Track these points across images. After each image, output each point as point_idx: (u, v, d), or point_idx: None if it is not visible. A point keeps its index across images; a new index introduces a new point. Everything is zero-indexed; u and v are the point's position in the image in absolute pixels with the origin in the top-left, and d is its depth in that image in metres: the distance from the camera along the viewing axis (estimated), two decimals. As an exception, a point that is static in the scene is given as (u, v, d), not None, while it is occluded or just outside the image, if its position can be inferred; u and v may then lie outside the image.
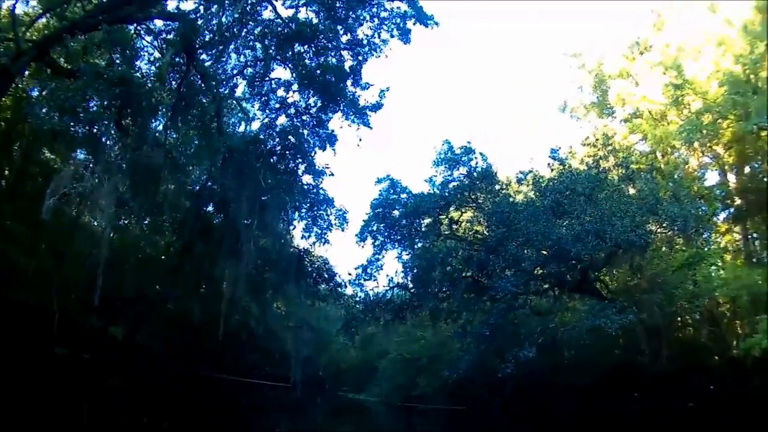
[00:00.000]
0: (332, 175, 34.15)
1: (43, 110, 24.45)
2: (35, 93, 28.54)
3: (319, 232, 35.24)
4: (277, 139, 32.40)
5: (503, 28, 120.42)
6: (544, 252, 30.20)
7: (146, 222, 37.16)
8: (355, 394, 53.17)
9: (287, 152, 32.51)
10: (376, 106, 31.38)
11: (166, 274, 35.75)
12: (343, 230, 35.92)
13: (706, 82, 37.04)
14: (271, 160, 32.54)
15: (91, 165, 25.93)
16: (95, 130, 26.59)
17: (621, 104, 43.20)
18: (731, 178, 39.77)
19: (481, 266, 33.74)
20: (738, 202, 38.78)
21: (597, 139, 37.00)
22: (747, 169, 40.13)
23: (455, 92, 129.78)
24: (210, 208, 35.45)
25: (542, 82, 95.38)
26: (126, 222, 36.19)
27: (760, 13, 32.21)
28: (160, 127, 29.97)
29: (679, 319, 37.51)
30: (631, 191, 33.78)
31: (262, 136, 32.39)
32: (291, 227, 36.91)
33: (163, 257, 37.86)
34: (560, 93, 49.31)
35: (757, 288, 28.81)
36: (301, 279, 36.47)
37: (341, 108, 31.35)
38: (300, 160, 33.08)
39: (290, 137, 31.65)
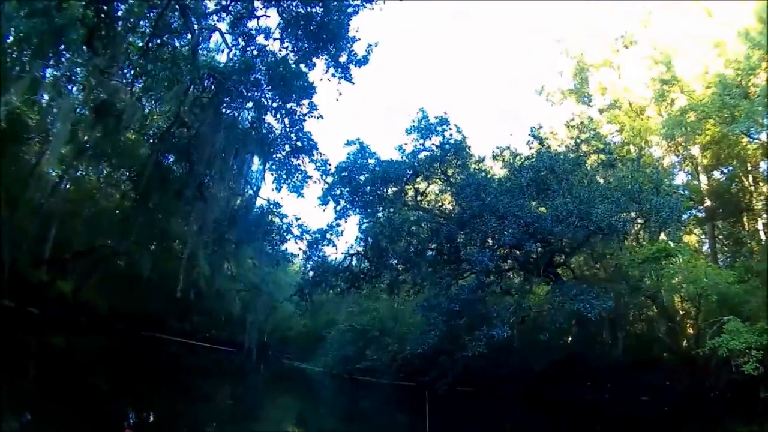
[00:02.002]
0: (321, 117, 31.07)
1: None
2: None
3: (296, 183, 32.82)
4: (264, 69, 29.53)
5: (490, 4, 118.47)
6: (522, 230, 29.15)
7: (104, 173, 34.89)
8: (300, 363, 51.73)
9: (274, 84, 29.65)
10: (362, 61, 29.27)
11: (118, 227, 33.56)
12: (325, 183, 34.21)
13: (692, 82, 36.87)
14: (256, 94, 30.12)
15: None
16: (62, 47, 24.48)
17: (602, 93, 42.99)
18: (703, 179, 39.84)
19: (450, 239, 32.84)
20: (708, 203, 38.83)
21: (581, 122, 36.21)
22: (716, 174, 40.65)
23: (436, 63, 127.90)
24: (172, 159, 32.85)
25: (523, 63, 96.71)
26: (83, 173, 34.31)
27: (761, 23, 31.81)
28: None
29: (637, 312, 37.70)
30: (610, 179, 33.22)
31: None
32: (262, 177, 33.86)
33: (117, 211, 35.52)
34: (539, 76, 48.59)
35: (726, 289, 28.60)
36: (265, 238, 34.61)
37: (327, 58, 29.10)
38: (291, 95, 30.22)
39: (280, 68, 28.72)
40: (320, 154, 32.89)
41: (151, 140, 33.05)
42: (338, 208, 35.36)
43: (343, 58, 29.06)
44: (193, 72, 26.96)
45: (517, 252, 31.36)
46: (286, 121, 31.05)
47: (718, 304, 29.63)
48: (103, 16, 23.68)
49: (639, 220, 32.59)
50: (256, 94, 29.95)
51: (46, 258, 26.91)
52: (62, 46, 24.85)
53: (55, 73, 27.16)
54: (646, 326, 38.87)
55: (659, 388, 32.27)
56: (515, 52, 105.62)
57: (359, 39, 28.83)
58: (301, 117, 30.73)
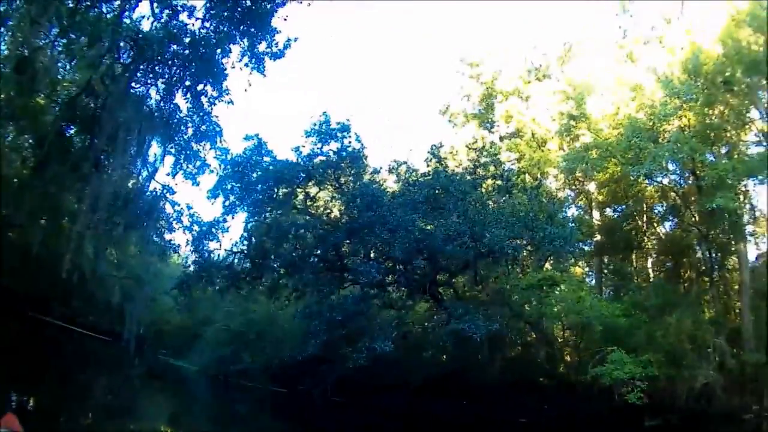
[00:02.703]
0: (231, 103, 28.98)
1: None
2: None
3: (193, 171, 31.09)
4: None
5: (409, 19, 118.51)
6: (412, 246, 28.88)
7: (8, 138, 32.69)
8: (175, 360, 49.96)
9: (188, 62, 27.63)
10: (278, 55, 27.66)
11: (15, 196, 31.40)
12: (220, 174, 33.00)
13: (600, 121, 37.78)
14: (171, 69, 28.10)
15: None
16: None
17: (506, 121, 43.33)
18: (596, 215, 40.82)
19: (336, 248, 32.54)
20: (598, 238, 39.71)
21: (483, 146, 36.21)
22: (609, 211, 41.71)
23: (344, 67, 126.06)
24: (75, 129, 30.62)
25: (430, 80, 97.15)
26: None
27: (685, 73, 32.74)
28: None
29: (515, 336, 37.98)
30: (504, 204, 33.34)
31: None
32: (162, 159, 31.35)
33: (15, 179, 33.27)
34: (444, 96, 48.99)
35: (612, 321, 29.43)
36: (153, 225, 33.06)
37: (245, 46, 27.82)
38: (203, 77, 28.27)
39: (200, 46, 26.75)
40: (223, 142, 31.50)
41: (59, 108, 30.54)
42: (227, 203, 34.14)
43: (262, 47, 27.55)
44: (114, 35, 25.36)
45: (404, 267, 31.05)
46: (195, 102, 29.28)
47: (602, 335, 30.32)
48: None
49: (529, 248, 32.77)
50: (171, 69, 28.02)
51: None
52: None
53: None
54: (523, 350, 39.28)
55: (537, 411, 32.30)
56: (424, 68, 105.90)
57: (280, 31, 27.48)
58: (211, 100, 28.93)
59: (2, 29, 25.69)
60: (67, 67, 30.31)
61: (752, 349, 29.94)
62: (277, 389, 38.53)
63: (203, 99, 29.03)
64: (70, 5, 25.32)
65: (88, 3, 25.53)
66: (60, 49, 27.59)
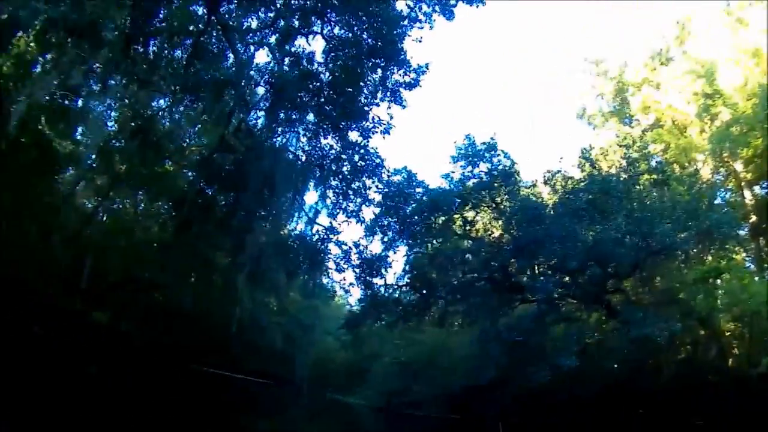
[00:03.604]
0: (387, 132, 29.03)
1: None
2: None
3: (353, 209, 31.64)
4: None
5: (524, 29, 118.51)
6: (585, 255, 28.45)
7: (141, 206, 34.03)
8: (342, 396, 50.72)
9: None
10: (413, 84, 28.12)
11: (157, 259, 32.58)
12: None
13: (734, 94, 36.35)
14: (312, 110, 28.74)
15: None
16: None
17: (644, 113, 42.38)
18: (747, 195, 39.11)
19: (504, 268, 32.24)
20: (753, 219, 38.01)
21: (633, 141, 35.43)
22: (757, 189, 40.00)
23: (469, 89, 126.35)
24: (215, 188, 31.47)
25: (560, 86, 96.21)
26: (119, 206, 33.37)
27: None
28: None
29: (684, 335, 36.56)
30: (664, 197, 32.46)
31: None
32: (323, 203, 32.06)
33: (155, 243, 34.62)
34: (577, 99, 48.41)
35: None
36: (319, 268, 33.63)
37: (376, 82, 28.21)
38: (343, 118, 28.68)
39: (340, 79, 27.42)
40: (388, 172, 31.92)
41: (191, 170, 32.08)
42: (386, 239, 34.36)
43: (399, 78, 28.16)
44: (239, 84, 26.32)
45: (579, 278, 30.55)
46: (343, 142, 29.90)
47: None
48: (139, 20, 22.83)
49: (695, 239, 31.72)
50: (311, 109, 28.75)
51: (81, 288, 25.91)
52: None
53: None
54: (693, 349, 37.37)
55: (711, 411, 30.85)
56: (550, 75, 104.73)
57: (411, 62, 27.86)
58: (366, 132, 29.31)
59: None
60: (194, 131, 31.37)
61: None
62: (449, 416, 38.58)
63: (354, 134, 29.53)
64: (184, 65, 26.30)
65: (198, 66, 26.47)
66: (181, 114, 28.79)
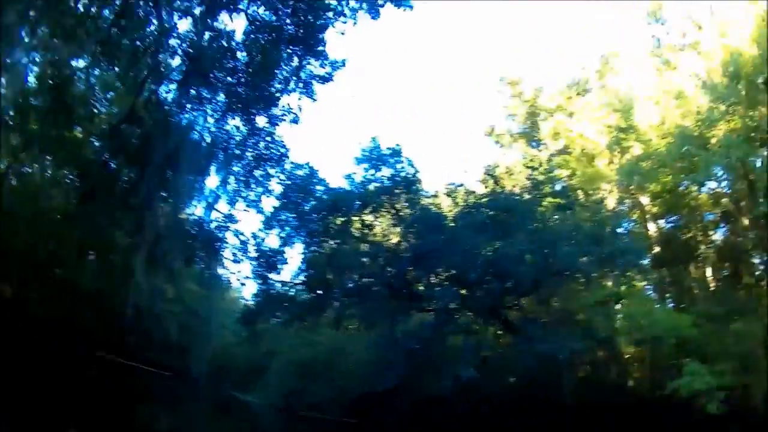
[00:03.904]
0: (296, 122, 28.66)
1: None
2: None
3: (253, 198, 31.56)
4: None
5: (446, 39, 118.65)
6: (485, 269, 28.90)
7: (49, 171, 32.74)
8: (238, 393, 49.90)
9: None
10: (327, 78, 27.94)
11: (60, 231, 31.43)
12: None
13: (648, 131, 37.47)
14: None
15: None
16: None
17: (554, 138, 43.18)
18: (652, 226, 40.57)
19: (403, 275, 32.27)
20: (657, 249, 39.44)
21: (540, 164, 36.28)
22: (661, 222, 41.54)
23: (381, 92, 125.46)
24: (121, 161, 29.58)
25: (473, 101, 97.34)
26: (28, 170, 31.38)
27: (725, 77, 32.68)
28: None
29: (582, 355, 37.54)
30: (567, 221, 33.31)
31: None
32: (224, 188, 31.35)
33: (59, 216, 33.39)
34: (488, 116, 49.19)
35: (682, 332, 28.77)
36: (215, 257, 33.07)
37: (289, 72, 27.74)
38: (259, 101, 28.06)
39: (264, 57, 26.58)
40: (291, 164, 31.68)
41: (100, 139, 30.30)
42: (283, 234, 34.11)
43: (314, 69, 27.92)
44: (158, 50, 25.66)
45: (477, 291, 30.94)
46: (251, 127, 29.37)
47: (674, 347, 30.04)
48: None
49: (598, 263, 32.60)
50: (223, 90, 27.88)
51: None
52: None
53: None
54: (592, 369, 38.78)
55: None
56: (467, 88, 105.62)
57: (328, 54, 27.68)
58: (275, 119, 28.87)
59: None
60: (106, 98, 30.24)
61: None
62: (347, 420, 38.38)
63: (261, 119, 28.98)
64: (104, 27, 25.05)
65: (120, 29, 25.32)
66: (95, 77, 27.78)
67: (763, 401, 28.82)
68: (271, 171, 31.31)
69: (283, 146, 30.51)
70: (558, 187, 35.17)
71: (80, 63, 26.61)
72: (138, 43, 26.14)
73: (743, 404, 29.02)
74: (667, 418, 29.70)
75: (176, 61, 27.84)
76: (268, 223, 33.77)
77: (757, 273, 37.98)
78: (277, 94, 28.22)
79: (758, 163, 32.33)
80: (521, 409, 33.21)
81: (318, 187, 33.90)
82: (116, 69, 26.88)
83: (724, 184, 35.25)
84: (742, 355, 29.06)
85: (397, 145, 34.03)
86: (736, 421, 27.96)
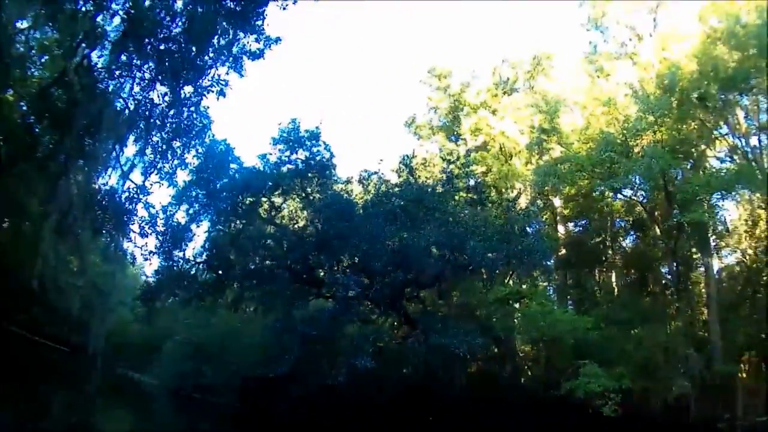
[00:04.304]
0: (222, 94, 26.95)
1: None
2: None
3: (168, 170, 29.78)
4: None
5: (381, 29, 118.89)
6: (391, 258, 28.50)
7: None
8: (133, 373, 48.40)
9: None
10: (258, 55, 26.82)
11: None
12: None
13: (571, 135, 38.29)
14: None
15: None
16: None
17: (474, 135, 43.05)
18: (561, 229, 41.10)
19: (306, 259, 31.74)
20: (563, 252, 40.01)
21: (457, 157, 36.13)
22: (570, 225, 42.11)
23: (312, 74, 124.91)
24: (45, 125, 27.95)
25: (396, 91, 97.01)
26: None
27: (659, 89, 33.51)
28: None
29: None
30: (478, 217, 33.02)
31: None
32: (141, 158, 29.19)
33: None
34: (409, 107, 48.61)
35: (582, 335, 29.47)
36: (123, 230, 31.75)
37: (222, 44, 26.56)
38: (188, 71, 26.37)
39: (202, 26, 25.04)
40: (212, 136, 30.58)
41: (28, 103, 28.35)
42: (191, 211, 33.02)
43: (247, 43, 26.80)
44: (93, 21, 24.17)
45: (379, 281, 30.45)
46: (175, 96, 27.39)
47: (573, 349, 30.63)
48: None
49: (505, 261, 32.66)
50: (153, 57, 26.14)
51: None
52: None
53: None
54: (486, 365, 38.83)
55: (506, 427, 31.82)
56: (394, 77, 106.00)
57: (264, 30, 26.55)
58: (199, 90, 27.37)
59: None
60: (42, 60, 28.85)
61: (719, 360, 30.55)
62: (238, 406, 37.56)
63: (188, 89, 27.51)
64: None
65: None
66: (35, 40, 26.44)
67: (660, 405, 30.41)
68: (190, 143, 29.88)
69: (207, 117, 29.31)
70: (472, 183, 35.04)
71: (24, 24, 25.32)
72: (81, 3, 24.70)
73: (640, 407, 29.93)
74: (562, 417, 29.95)
75: (116, 21, 25.87)
76: (179, 198, 32.59)
77: (663, 282, 39.11)
78: (208, 67, 26.90)
79: (680, 175, 33.80)
80: (415, 400, 33.16)
81: (232, 165, 33.12)
82: (56, 32, 25.80)
83: (640, 193, 35.96)
84: (642, 359, 30.25)
85: (317, 128, 33.45)
86: (632, 423, 28.51)
